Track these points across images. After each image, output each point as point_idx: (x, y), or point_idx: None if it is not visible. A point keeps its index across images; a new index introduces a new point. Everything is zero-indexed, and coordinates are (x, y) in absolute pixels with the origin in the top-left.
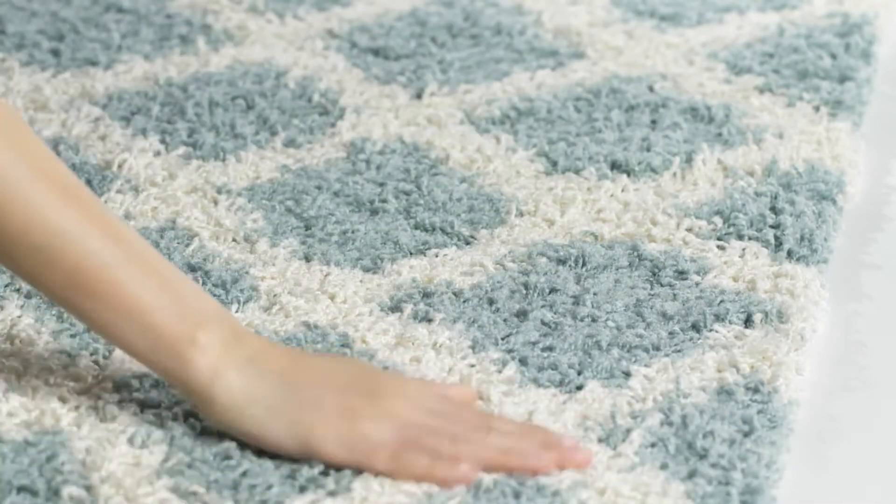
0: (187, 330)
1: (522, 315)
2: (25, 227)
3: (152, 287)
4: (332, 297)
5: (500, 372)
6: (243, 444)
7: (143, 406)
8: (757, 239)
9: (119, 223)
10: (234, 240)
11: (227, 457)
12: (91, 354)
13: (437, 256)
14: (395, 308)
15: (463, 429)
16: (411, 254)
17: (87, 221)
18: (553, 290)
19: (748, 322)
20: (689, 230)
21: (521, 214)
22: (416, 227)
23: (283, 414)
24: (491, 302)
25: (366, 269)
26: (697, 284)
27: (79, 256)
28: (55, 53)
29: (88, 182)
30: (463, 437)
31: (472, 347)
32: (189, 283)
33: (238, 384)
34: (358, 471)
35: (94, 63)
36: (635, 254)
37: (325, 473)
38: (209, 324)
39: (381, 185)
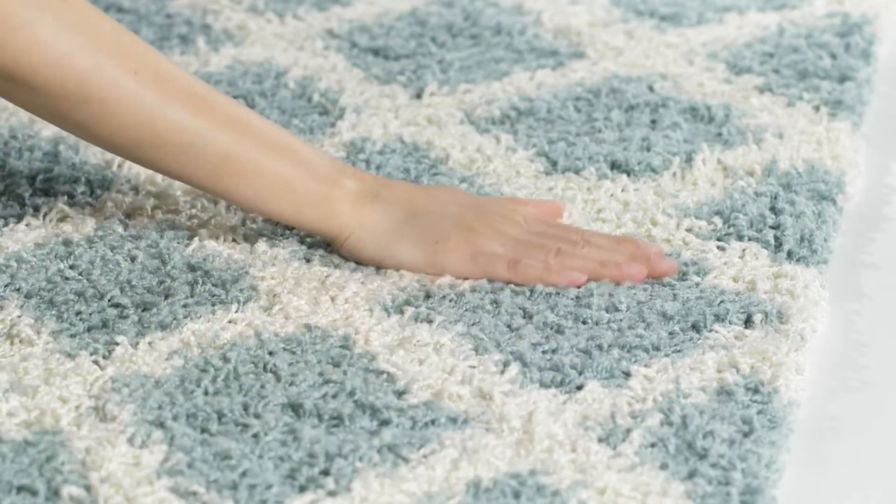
0: (323, 190)
1: (524, 316)
2: (179, 129)
3: (288, 160)
4: (333, 299)
5: (501, 373)
6: (243, 444)
7: (143, 406)
8: (757, 239)
9: (245, 111)
10: (234, 240)
11: (227, 457)
12: (91, 354)
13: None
14: (397, 309)
15: (563, 243)
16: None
17: (224, 115)
18: (554, 292)
19: (748, 322)
20: (688, 230)
21: None
22: None
23: (414, 238)
24: (492, 303)
25: (366, 270)
26: (697, 285)
27: (226, 146)
28: None
29: (88, 182)
30: (564, 250)
31: (475, 349)
32: (310, 148)
33: (373, 220)
34: (357, 470)
35: None
36: None
37: (325, 473)
38: (338, 179)
39: None
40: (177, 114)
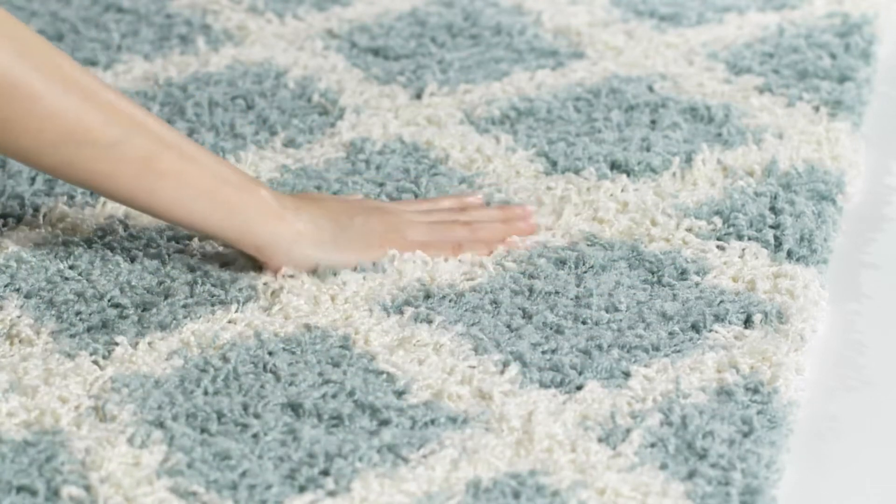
0: (243, 198)
1: (524, 316)
2: (101, 128)
3: (206, 169)
4: (333, 299)
5: (501, 373)
6: (243, 445)
7: (143, 406)
8: (757, 239)
9: (159, 121)
10: None
11: (227, 457)
12: (91, 354)
13: (437, 257)
14: (396, 309)
15: (458, 216)
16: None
17: (142, 121)
18: (554, 292)
19: (748, 322)
20: (688, 230)
21: None
22: None
23: (355, 246)
24: (492, 303)
25: (366, 270)
26: (697, 285)
27: (146, 149)
28: None
29: None
30: (469, 222)
31: (475, 349)
32: (223, 160)
33: (301, 227)
34: (357, 470)
35: (94, 63)
36: (635, 254)
37: (324, 473)
38: (255, 189)
39: (381, 185)
40: (99, 114)
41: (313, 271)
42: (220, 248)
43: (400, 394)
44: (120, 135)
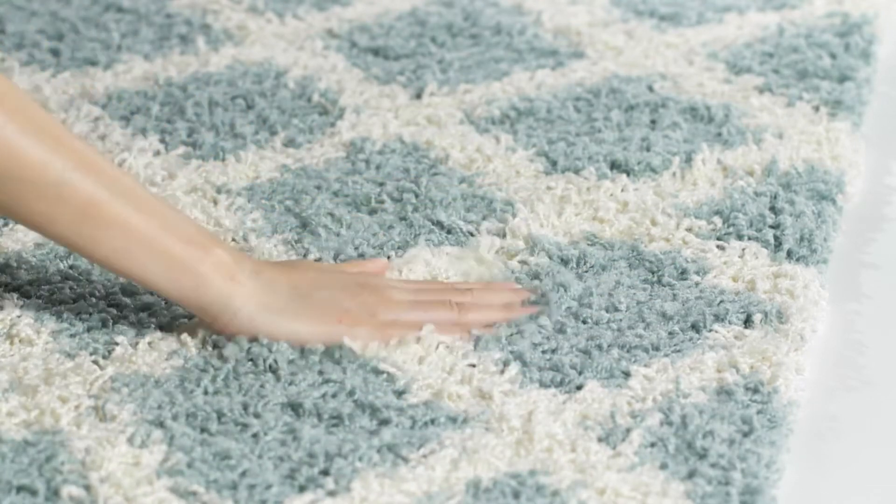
0: (197, 251)
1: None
2: (41, 164)
3: (156, 219)
4: None
5: (501, 373)
6: (243, 444)
7: (143, 406)
8: (757, 239)
9: (112, 164)
10: (233, 239)
11: (227, 457)
12: (91, 354)
13: (436, 256)
14: None
15: (451, 296)
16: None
17: (90, 160)
18: (553, 291)
19: (748, 322)
20: (688, 230)
21: (520, 214)
22: (416, 225)
23: (313, 317)
24: None
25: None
26: (697, 284)
27: (90, 192)
28: (55, 53)
29: None
30: (463, 303)
31: (475, 348)
32: (178, 211)
33: (254, 290)
34: (357, 470)
35: (93, 63)
36: (635, 254)
37: (324, 473)
38: (208, 246)
39: (381, 184)
40: (41, 149)
41: (255, 339)
42: None
43: (400, 393)
44: (60, 175)
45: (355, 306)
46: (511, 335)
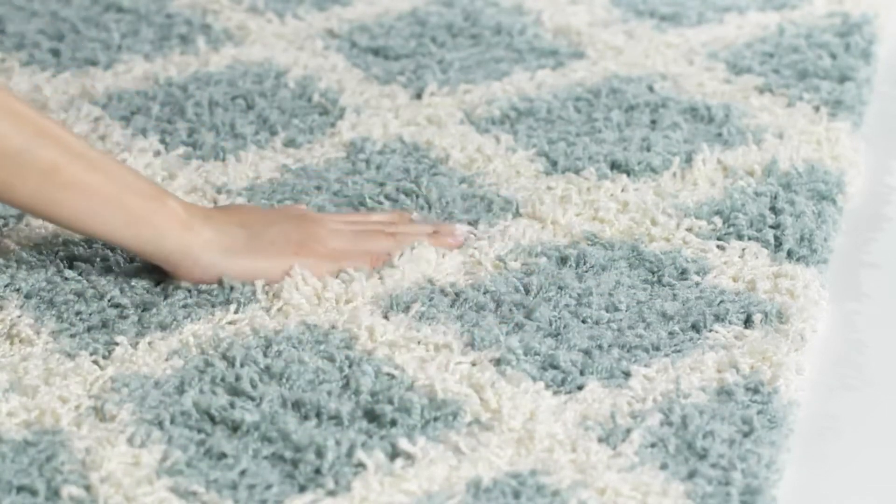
0: (150, 207)
1: (524, 316)
2: (2, 136)
3: (112, 177)
4: (333, 298)
5: (502, 373)
6: (242, 444)
7: (143, 406)
8: (757, 239)
9: (65, 130)
10: None
11: (226, 456)
12: (91, 354)
13: (437, 255)
14: (397, 308)
15: (386, 227)
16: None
17: (46, 130)
18: (554, 291)
19: (748, 322)
20: (688, 230)
21: (520, 214)
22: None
23: (269, 252)
24: (492, 302)
25: (366, 269)
26: (697, 284)
27: (51, 159)
28: (55, 53)
29: None
30: (398, 231)
31: (475, 348)
32: (131, 169)
33: (211, 236)
34: (357, 470)
35: (94, 63)
36: (635, 254)
37: (324, 473)
38: (162, 198)
39: (381, 184)
40: (3, 123)
41: (220, 281)
42: None
43: (400, 393)
44: (23, 144)
45: (306, 237)
46: (511, 335)
